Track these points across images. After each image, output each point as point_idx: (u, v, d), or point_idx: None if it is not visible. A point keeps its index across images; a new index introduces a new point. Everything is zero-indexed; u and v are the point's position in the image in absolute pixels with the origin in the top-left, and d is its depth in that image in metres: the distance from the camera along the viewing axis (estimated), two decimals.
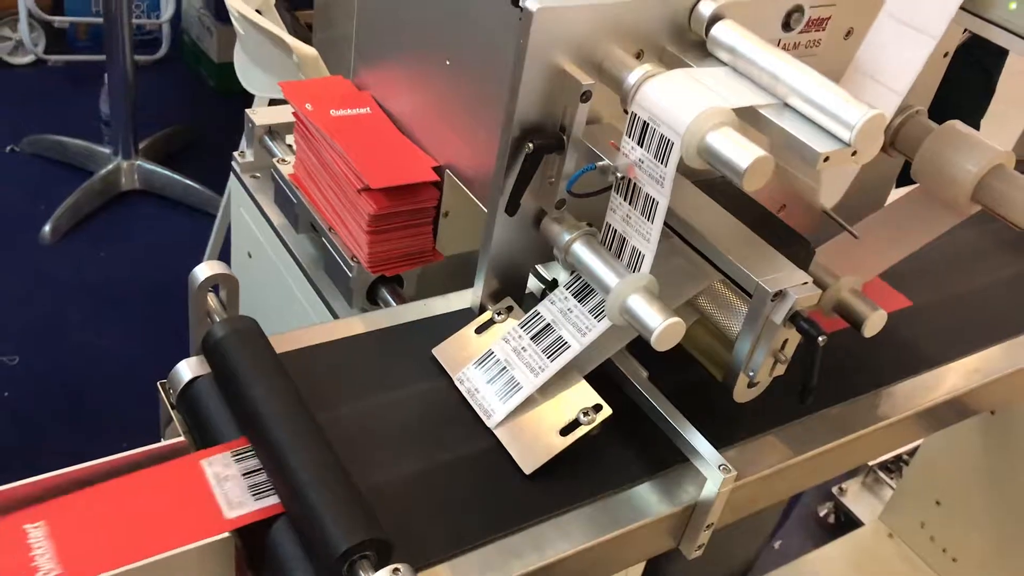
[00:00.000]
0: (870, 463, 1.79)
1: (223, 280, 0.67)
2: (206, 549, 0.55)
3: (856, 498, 1.77)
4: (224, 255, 1.84)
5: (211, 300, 0.67)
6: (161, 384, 0.66)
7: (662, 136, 0.59)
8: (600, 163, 0.63)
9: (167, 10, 2.83)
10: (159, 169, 2.32)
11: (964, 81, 1.93)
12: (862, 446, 0.73)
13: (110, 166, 2.29)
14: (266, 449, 0.57)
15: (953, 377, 0.80)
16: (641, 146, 0.61)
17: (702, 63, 0.65)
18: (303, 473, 0.55)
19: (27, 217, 2.19)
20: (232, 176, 1.18)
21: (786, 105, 0.61)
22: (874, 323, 0.71)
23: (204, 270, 0.66)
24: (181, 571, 0.55)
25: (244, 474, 0.58)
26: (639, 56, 0.65)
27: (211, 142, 2.56)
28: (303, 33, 2.55)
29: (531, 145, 0.64)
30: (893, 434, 0.75)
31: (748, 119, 0.61)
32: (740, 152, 0.56)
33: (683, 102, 0.59)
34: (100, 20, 2.62)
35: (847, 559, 1.63)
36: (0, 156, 2.42)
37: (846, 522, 1.74)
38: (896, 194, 0.94)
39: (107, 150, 2.32)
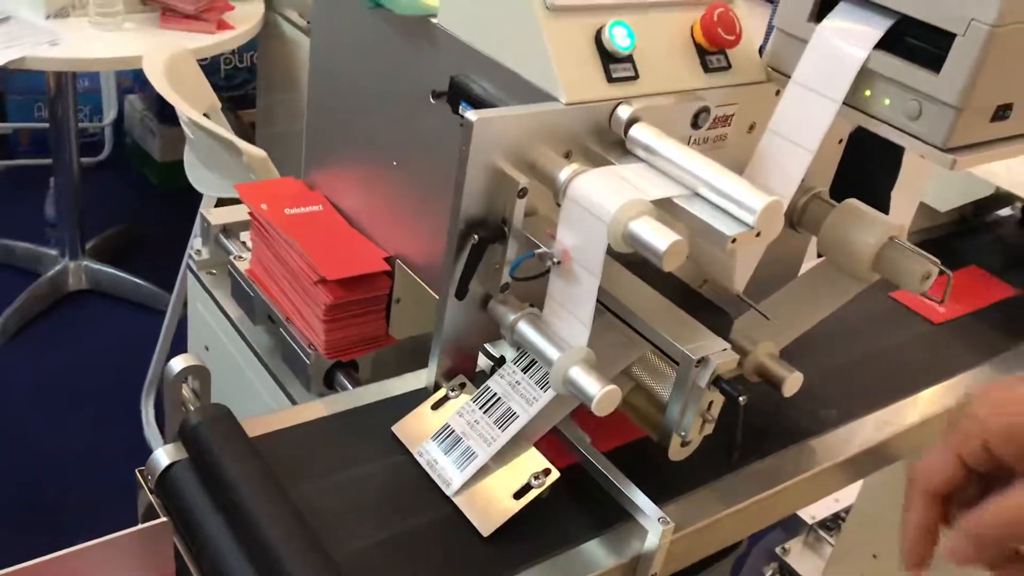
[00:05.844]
0: (810, 522, 1.86)
1: (196, 371, 0.72)
2: None
3: (799, 557, 1.84)
4: (177, 349, 1.88)
5: (184, 390, 0.73)
6: (139, 471, 0.71)
7: (591, 225, 0.67)
8: (538, 250, 0.71)
9: (109, 113, 2.90)
10: (106, 268, 2.35)
11: (875, 160, 2.08)
12: (789, 496, 0.80)
13: (57, 267, 2.32)
14: (244, 525, 0.63)
15: (867, 429, 0.87)
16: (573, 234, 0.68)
17: (623, 160, 0.74)
18: (280, 546, 0.60)
19: None
20: (189, 274, 1.23)
21: (696, 195, 0.69)
22: (792, 384, 0.79)
23: (179, 362, 0.71)
24: None
25: None
26: (568, 155, 0.74)
27: (157, 240, 2.61)
28: (245, 132, 2.64)
29: (476, 237, 0.71)
30: (817, 484, 0.82)
31: (665, 208, 0.69)
32: (658, 237, 0.64)
33: (607, 195, 0.67)
34: (43, 125, 2.68)
35: None
36: None
37: None
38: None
39: (54, 251, 2.35)
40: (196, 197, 1.85)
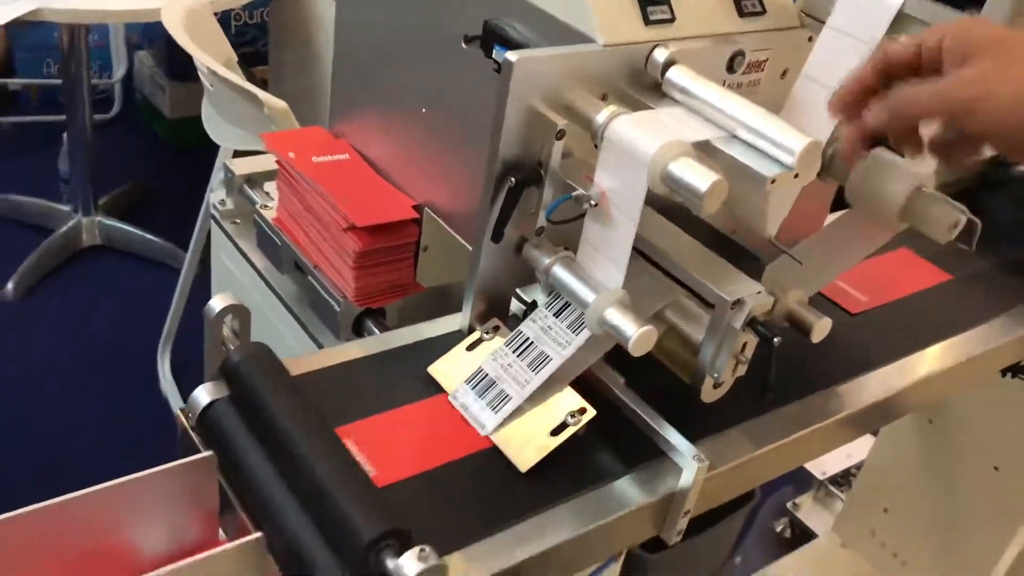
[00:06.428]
0: (820, 477, 1.88)
1: (235, 310, 0.73)
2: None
3: (809, 512, 1.86)
4: (193, 302, 1.89)
5: (224, 329, 0.73)
6: (181, 409, 0.72)
7: (630, 167, 0.67)
8: (575, 193, 0.71)
9: (119, 69, 2.89)
10: (120, 224, 2.36)
11: None
12: (818, 439, 0.81)
13: (71, 223, 2.32)
14: (289, 459, 0.64)
15: (894, 376, 0.88)
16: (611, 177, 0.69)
17: (659, 103, 0.74)
18: (326, 476, 0.62)
19: None
20: (212, 224, 1.24)
21: (734, 137, 0.70)
22: (820, 330, 0.80)
23: (219, 302, 0.72)
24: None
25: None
26: (604, 98, 0.74)
27: (168, 197, 2.61)
28: (259, 88, 2.63)
29: (513, 180, 0.72)
30: (845, 428, 0.83)
31: (703, 150, 0.70)
32: (698, 178, 0.64)
33: (646, 137, 0.67)
34: (55, 81, 2.67)
35: (803, 570, 1.71)
36: None
37: (801, 535, 1.83)
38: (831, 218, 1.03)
39: (67, 208, 2.35)
40: (206, 154, 1.85)
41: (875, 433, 1.64)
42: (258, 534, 0.61)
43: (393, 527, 0.58)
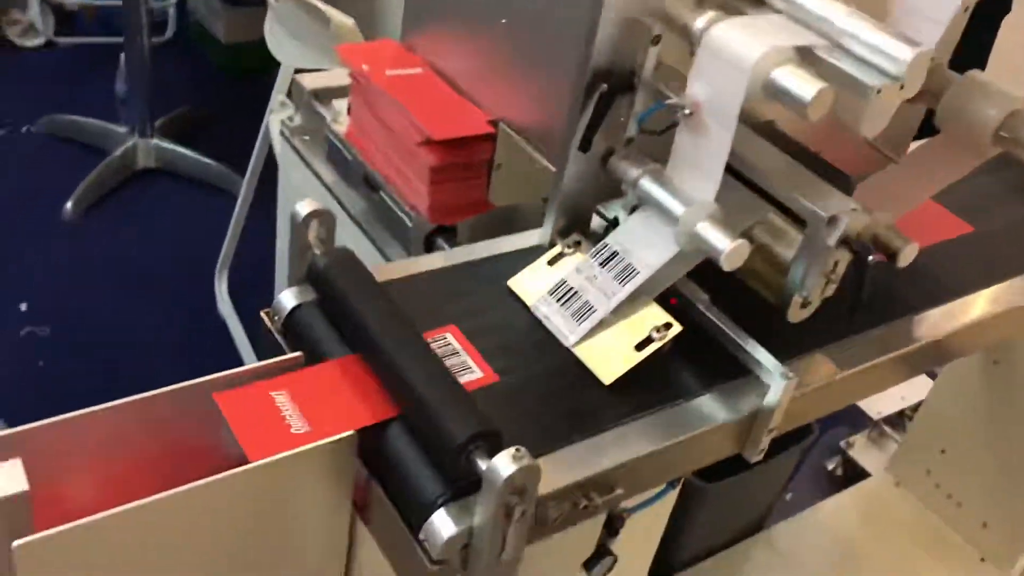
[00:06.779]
0: (875, 417, 1.87)
1: (321, 216, 0.73)
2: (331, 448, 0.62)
3: (863, 452, 1.85)
4: (250, 224, 1.89)
5: (310, 234, 0.73)
6: (265, 312, 0.72)
7: (728, 74, 0.65)
8: (669, 101, 0.69)
9: None
10: (176, 147, 2.36)
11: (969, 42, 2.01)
12: (902, 365, 0.80)
13: (128, 144, 2.33)
14: (381, 360, 0.64)
15: (978, 306, 0.86)
16: (708, 85, 0.67)
17: (757, 11, 0.72)
18: (417, 379, 0.61)
19: (48, 195, 2.24)
20: (281, 140, 1.23)
21: (838, 46, 0.67)
22: (907, 254, 0.78)
23: (305, 206, 0.72)
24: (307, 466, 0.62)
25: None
26: (700, 4, 0.72)
27: (222, 121, 2.61)
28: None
29: (605, 86, 0.70)
30: (928, 355, 0.82)
31: (804, 59, 0.67)
32: (804, 85, 0.62)
33: (748, 43, 0.65)
34: (112, 2, 2.67)
35: (856, 507, 1.70)
36: (16, 136, 2.46)
37: (853, 475, 1.82)
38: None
39: (123, 129, 2.36)
40: (260, 80, 1.83)
41: (932, 375, 1.62)
42: (346, 433, 0.62)
43: (486, 428, 0.58)
